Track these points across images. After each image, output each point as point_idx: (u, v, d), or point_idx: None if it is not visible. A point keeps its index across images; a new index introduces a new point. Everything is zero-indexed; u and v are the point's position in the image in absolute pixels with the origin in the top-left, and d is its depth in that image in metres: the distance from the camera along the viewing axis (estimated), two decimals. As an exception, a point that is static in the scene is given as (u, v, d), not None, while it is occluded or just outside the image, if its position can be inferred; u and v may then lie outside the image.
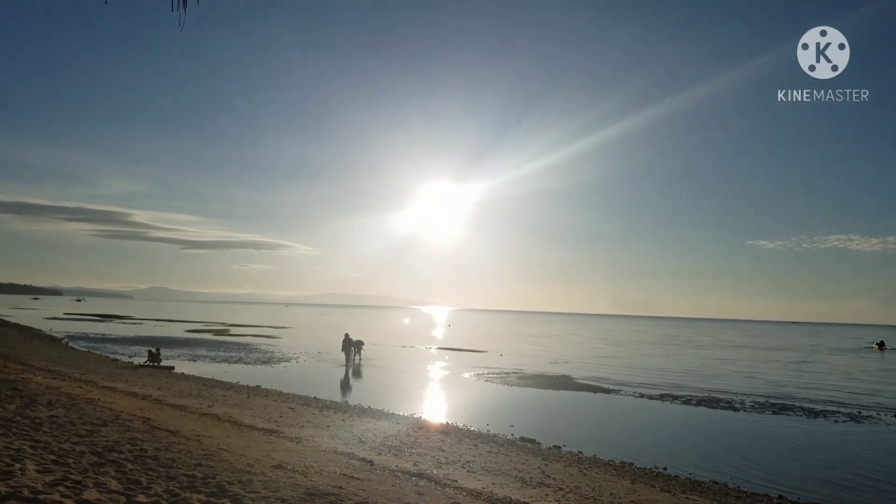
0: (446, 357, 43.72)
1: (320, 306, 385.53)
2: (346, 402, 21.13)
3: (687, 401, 25.29)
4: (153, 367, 28.39)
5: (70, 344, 41.03)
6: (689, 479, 13.04)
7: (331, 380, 28.74)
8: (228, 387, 22.61)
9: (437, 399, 24.49)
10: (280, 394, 21.61)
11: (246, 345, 47.75)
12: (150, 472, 6.92)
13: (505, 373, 33.23)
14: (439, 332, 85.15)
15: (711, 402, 24.95)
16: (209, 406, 16.11)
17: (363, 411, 18.81)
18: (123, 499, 5.71)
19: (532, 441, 15.86)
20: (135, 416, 12.04)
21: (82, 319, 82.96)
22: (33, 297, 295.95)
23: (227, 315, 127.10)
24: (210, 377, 25.86)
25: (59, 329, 56.00)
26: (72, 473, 6.38)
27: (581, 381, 30.65)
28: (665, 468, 13.81)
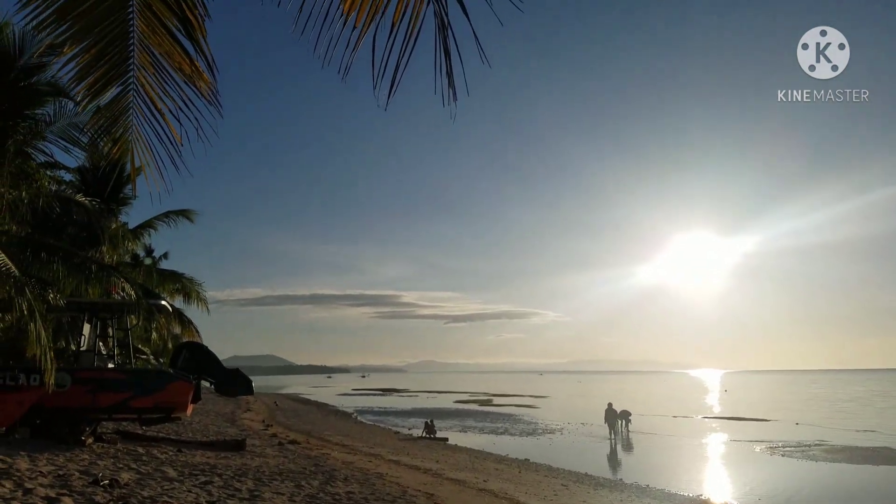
0: (728, 427, 39.21)
1: (575, 373, 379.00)
2: (621, 479, 19.73)
3: None
4: (430, 438, 29.93)
5: (359, 418, 45.41)
6: None
7: (599, 454, 27.35)
8: (500, 459, 22.70)
9: (724, 477, 21.73)
10: (550, 468, 21.03)
11: (510, 415, 48.28)
12: (440, 558, 6.85)
13: (805, 445, 28.49)
14: (714, 399, 77.44)
15: None
16: (484, 481, 16.16)
17: (642, 490, 17.34)
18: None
19: (861, 534, 12.95)
20: (419, 491, 12.46)
21: (367, 394, 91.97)
22: (327, 375, 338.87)
23: (488, 384, 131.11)
24: (481, 449, 26.32)
25: (349, 404, 62.60)
26: (371, 556, 6.55)
27: (909, 455, 24.94)
28: None
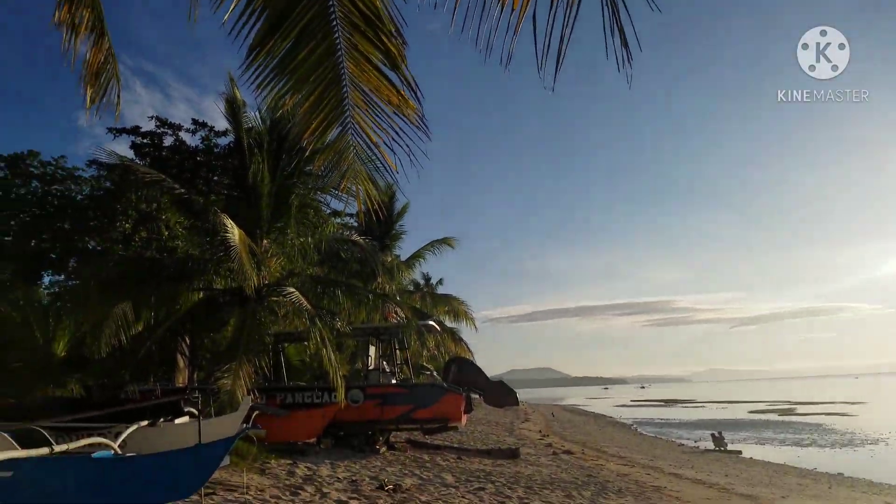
0: None
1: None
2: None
3: None
4: (719, 451, 27.60)
5: (638, 429, 43.76)
6: None
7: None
8: (804, 474, 19.96)
9: None
10: (870, 484, 17.84)
11: (817, 425, 42.19)
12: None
13: None
14: None
15: None
16: (783, 497, 14.34)
17: None
18: None
19: None
20: (700, 506, 11.54)
21: (647, 405, 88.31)
22: (604, 387, 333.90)
23: (789, 392, 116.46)
24: (781, 462, 23.43)
25: (627, 415, 60.75)
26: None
27: None
28: None
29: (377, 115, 4.52)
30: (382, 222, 22.89)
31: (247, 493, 7.91)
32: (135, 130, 21.16)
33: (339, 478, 9.44)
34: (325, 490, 8.45)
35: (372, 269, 17.78)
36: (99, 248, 19.78)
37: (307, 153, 12.29)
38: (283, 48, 4.31)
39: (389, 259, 24.05)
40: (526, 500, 9.85)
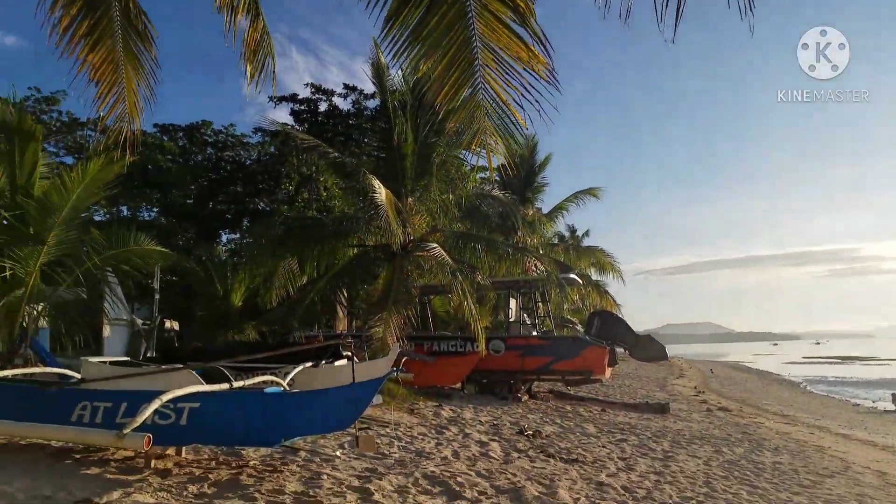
0: None
1: None
2: None
3: None
4: (901, 413, 25.09)
5: (807, 388, 40.68)
6: None
7: None
8: None
9: None
10: None
11: None
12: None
13: None
14: None
15: None
16: (974, 466, 12.85)
17: None
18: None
19: None
20: (868, 468, 10.73)
21: (821, 363, 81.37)
22: (772, 343, 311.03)
23: None
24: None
25: (796, 373, 56.47)
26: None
27: None
28: None
29: (507, 73, 4.58)
30: (521, 176, 22.89)
31: (397, 429, 8.63)
32: (293, 98, 22.92)
33: (481, 421, 9.96)
34: (467, 431, 8.98)
35: (512, 223, 18.00)
36: (267, 208, 21.93)
37: (440, 115, 12.66)
38: (415, 16, 4.51)
39: (531, 212, 24.06)
40: (670, 454, 9.74)
